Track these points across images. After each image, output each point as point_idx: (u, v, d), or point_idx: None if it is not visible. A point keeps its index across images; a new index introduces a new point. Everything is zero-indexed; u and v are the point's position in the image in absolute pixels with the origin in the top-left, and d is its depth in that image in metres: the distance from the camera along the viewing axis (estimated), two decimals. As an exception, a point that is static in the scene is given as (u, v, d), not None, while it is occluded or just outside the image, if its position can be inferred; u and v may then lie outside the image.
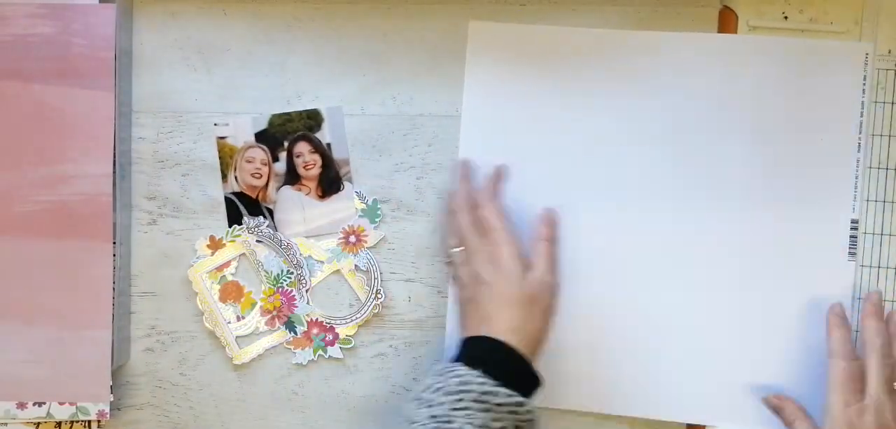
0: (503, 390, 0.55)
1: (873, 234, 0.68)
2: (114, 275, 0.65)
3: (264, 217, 0.68)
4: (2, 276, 0.64)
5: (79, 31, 0.64)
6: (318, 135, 0.68)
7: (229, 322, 0.67)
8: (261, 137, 0.68)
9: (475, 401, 0.54)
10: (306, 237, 0.68)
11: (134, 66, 0.68)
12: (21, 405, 0.65)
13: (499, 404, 0.55)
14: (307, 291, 0.68)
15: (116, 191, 0.65)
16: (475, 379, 0.55)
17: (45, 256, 0.64)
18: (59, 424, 0.66)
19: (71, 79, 0.64)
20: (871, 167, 0.68)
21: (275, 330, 0.68)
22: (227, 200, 0.68)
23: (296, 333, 0.67)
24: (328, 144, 0.68)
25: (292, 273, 0.67)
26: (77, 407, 0.65)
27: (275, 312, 0.67)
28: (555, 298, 0.62)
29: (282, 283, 0.67)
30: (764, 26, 0.67)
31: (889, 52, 0.67)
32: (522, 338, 0.58)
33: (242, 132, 0.68)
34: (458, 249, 0.64)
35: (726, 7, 0.68)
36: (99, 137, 0.64)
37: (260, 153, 0.68)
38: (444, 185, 0.68)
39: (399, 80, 0.68)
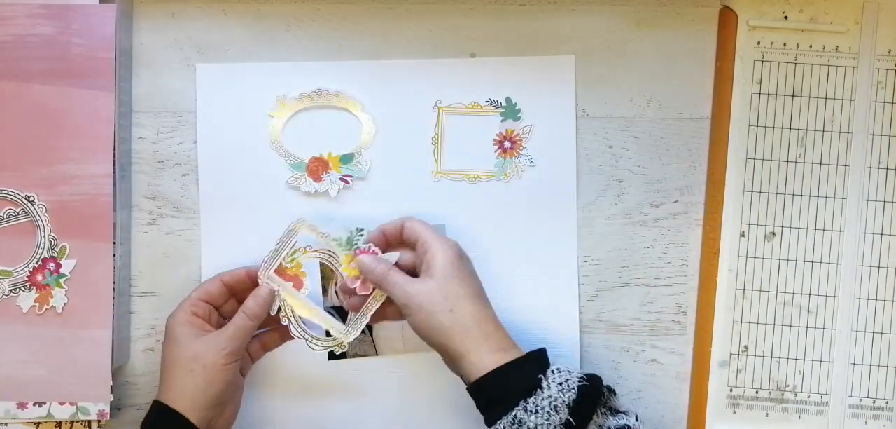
0: None
1: (873, 234, 0.68)
2: (114, 275, 0.65)
3: (364, 332, 0.66)
4: (2, 276, 0.64)
5: (79, 31, 0.64)
6: None
7: None
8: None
9: None
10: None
11: (134, 66, 0.68)
12: (21, 405, 0.65)
13: None
14: None
15: (116, 191, 0.65)
16: None
17: (45, 256, 0.64)
18: (59, 424, 0.66)
19: (71, 79, 0.64)
20: (871, 167, 0.68)
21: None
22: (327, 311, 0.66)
23: None
24: None
25: None
26: (77, 407, 0.65)
27: None
28: (226, 363, 0.61)
29: None
30: (764, 26, 0.67)
31: (889, 52, 0.68)
32: (189, 404, 0.59)
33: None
34: None
35: (726, 7, 0.68)
36: (99, 137, 0.64)
37: None
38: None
39: (399, 80, 0.68)
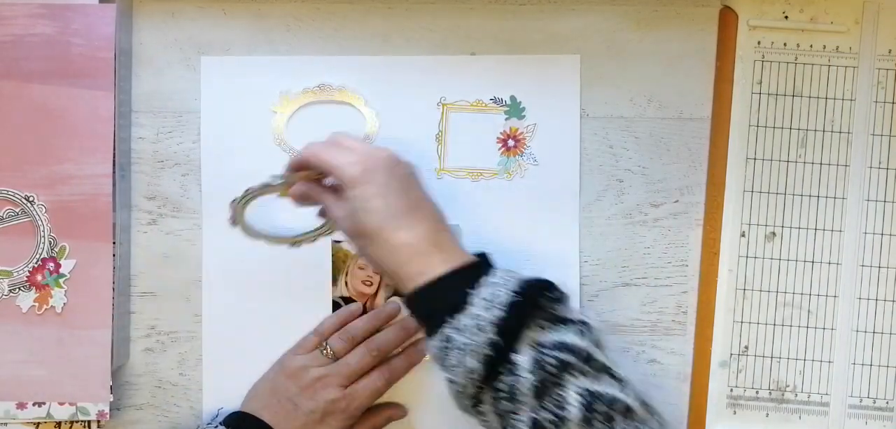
0: None
1: (873, 234, 0.68)
2: (114, 275, 0.65)
3: None
4: (2, 276, 0.64)
5: (79, 31, 0.64)
6: None
7: None
8: None
9: None
10: None
11: (134, 66, 0.68)
12: (21, 405, 0.64)
13: None
14: None
15: (116, 191, 0.65)
16: None
17: (44, 256, 0.64)
18: (59, 424, 0.66)
19: (71, 79, 0.64)
20: (871, 167, 0.68)
21: None
22: (333, 303, 0.67)
23: None
24: None
25: None
26: (77, 407, 0.65)
27: None
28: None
29: None
30: (764, 26, 0.67)
31: (889, 52, 0.68)
32: None
33: None
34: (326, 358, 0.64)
35: (726, 7, 0.68)
36: (99, 137, 0.64)
37: None
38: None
39: (399, 80, 0.68)
